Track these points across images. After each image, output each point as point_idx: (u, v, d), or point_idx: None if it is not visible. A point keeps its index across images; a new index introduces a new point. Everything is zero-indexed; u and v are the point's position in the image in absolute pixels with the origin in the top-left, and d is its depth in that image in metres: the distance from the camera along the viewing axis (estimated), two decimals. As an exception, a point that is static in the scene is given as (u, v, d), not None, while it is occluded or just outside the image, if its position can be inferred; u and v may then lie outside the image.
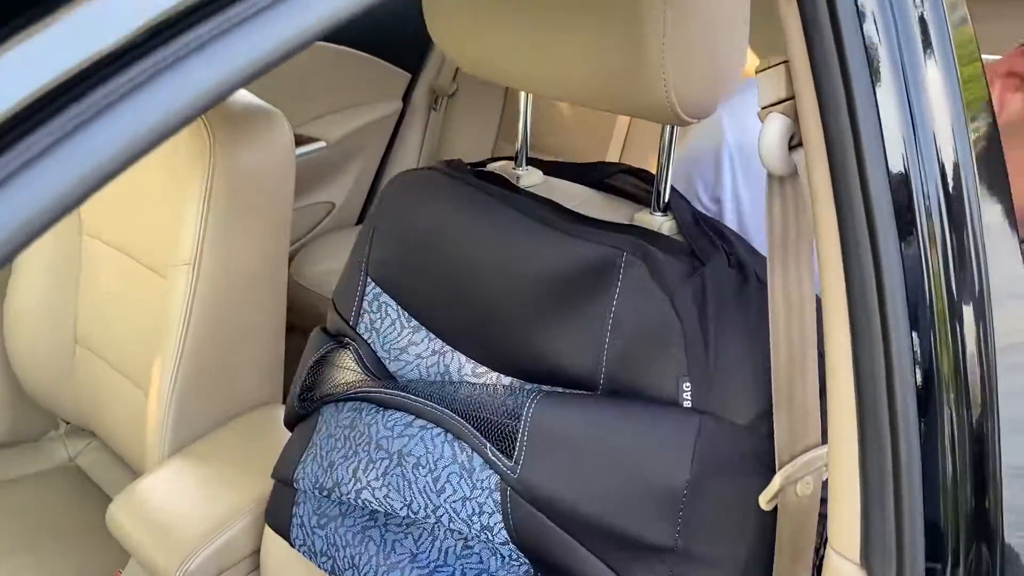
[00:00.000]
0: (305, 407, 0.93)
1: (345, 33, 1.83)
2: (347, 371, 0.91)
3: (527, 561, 0.79)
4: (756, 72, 0.56)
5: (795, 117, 0.54)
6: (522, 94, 0.84)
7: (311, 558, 0.93)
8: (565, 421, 0.73)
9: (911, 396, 0.50)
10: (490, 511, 0.78)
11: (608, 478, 0.71)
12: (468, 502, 0.80)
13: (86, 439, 1.51)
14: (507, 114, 1.98)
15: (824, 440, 0.65)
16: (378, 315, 0.90)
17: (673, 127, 0.72)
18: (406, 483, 0.84)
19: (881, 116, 0.50)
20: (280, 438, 1.12)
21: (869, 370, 0.50)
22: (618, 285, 0.71)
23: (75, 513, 1.38)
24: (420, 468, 0.83)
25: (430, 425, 0.83)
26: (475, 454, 0.80)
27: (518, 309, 0.77)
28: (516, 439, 0.76)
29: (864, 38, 0.49)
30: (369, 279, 0.90)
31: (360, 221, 2.02)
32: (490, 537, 0.79)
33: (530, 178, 0.86)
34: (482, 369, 0.82)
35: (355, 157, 1.94)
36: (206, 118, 1.12)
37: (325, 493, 0.90)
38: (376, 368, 0.89)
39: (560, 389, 0.76)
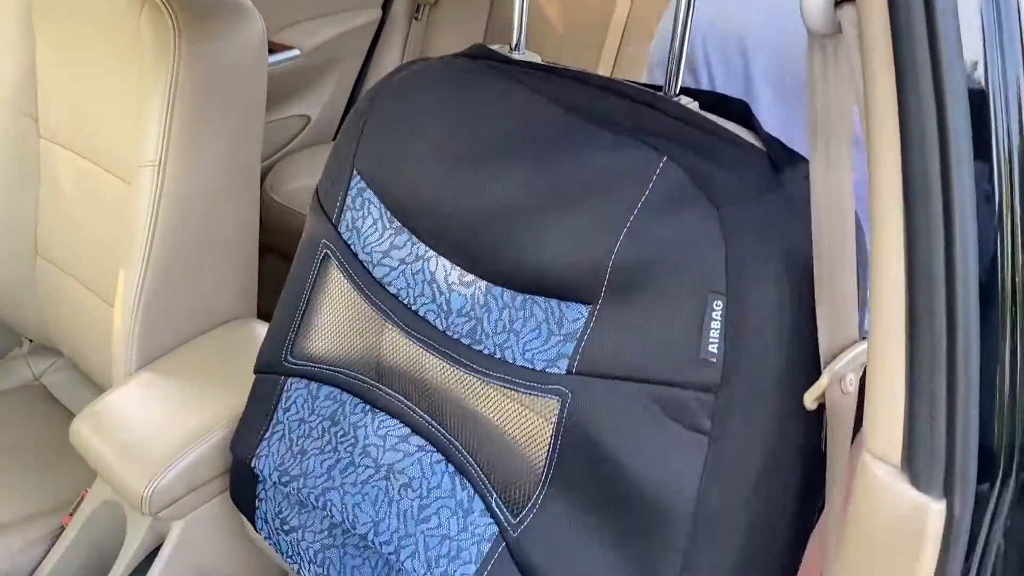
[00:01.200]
0: (293, 364, 0.86)
1: (321, -67, 1.73)
2: (333, 284, 0.84)
3: None
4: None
5: (844, -33, 0.47)
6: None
7: (279, 555, 0.89)
8: (578, 510, 0.67)
9: (972, 294, 0.44)
10: (468, 560, 0.72)
11: (604, 569, 0.65)
12: (449, 541, 0.74)
13: (51, 357, 1.44)
14: (493, 24, 1.88)
15: (861, 336, 0.60)
16: (360, 213, 0.83)
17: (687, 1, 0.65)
18: (387, 500, 0.78)
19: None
20: (253, 354, 1.06)
21: (926, 260, 0.44)
22: (648, 187, 0.64)
23: (40, 433, 1.32)
24: (409, 490, 0.77)
25: (430, 448, 0.77)
26: (478, 498, 0.74)
27: (519, 207, 0.70)
28: (526, 504, 0.69)
29: None
30: (355, 172, 0.83)
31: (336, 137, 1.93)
32: None
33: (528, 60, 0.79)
34: (469, 277, 0.75)
35: (331, 68, 1.84)
36: (170, 7, 1.03)
37: (286, 481, 0.85)
38: (361, 276, 0.82)
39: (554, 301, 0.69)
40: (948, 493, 0.46)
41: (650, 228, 0.64)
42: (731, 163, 0.65)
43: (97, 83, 1.13)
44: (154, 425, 1.01)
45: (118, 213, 1.12)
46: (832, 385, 0.59)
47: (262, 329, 1.16)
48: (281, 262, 1.74)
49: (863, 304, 0.61)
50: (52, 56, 1.20)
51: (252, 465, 0.88)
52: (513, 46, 0.80)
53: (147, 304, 1.08)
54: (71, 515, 1.11)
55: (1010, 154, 0.45)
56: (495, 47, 0.81)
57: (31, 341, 1.46)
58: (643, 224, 0.64)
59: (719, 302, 0.60)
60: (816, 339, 0.60)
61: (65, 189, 1.24)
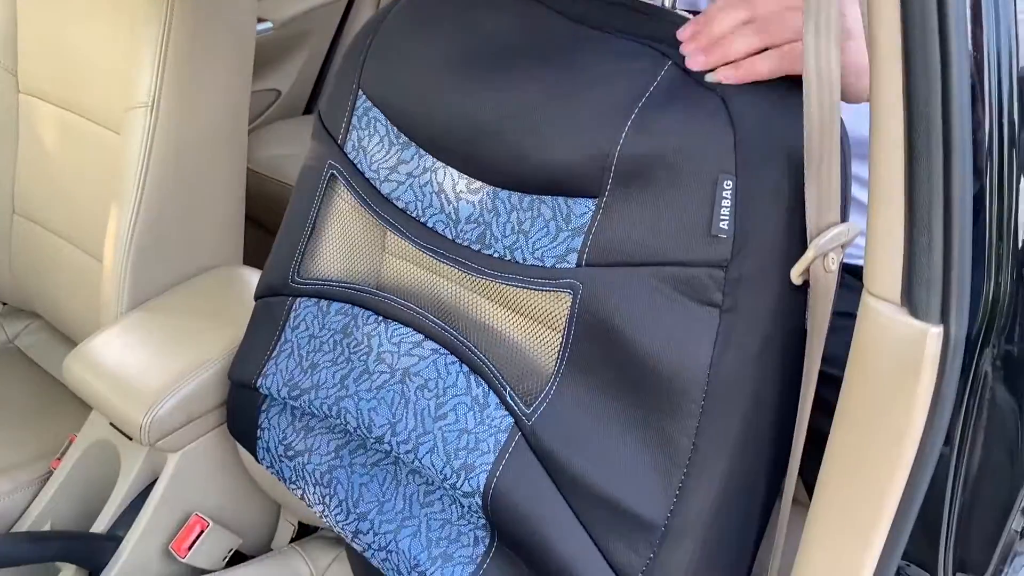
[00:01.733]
0: (301, 284, 0.88)
1: (293, -94, 1.75)
2: (340, 203, 0.87)
3: (486, 521, 0.77)
4: None
5: None
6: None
7: (282, 482, 0.91)
8: (590, 395, 0.71)
9: (966, 129, 0.49)
10: (486, 450, 0.75)
11: (619, 447, 0.69)
12: (466, 435, 0.77)
13: (25, 320, 1.43)
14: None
15: (843, 219, 0.65)
16: (366, 132, 0.86)
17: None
18: (403, 402, 0.80)
19: None
20: (245, 296, 1.07)
21: (924, 105, 0.49)
22: (654, 83, 0.68)
23: (19, 392, 1.31)
24: (425, 391, 0.80)
25: (444, 351, 0.80)
26: (492, 393, 0.77)
27: (522, 108, 0.74)
28: (539, 394, 0.73)
29: None
30: (360, 92, 0.86)
31: (307, 111, 1.95)
32: (456, 485, 0.76)
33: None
34: (476, 184, 0.78)
35: (302, 43, 1.86)
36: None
37: (296, 395, 0.87)
38: (368, 193, 0.85)
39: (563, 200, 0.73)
40: (945, 318, 0.50)
41: (657, 119, 0.68)
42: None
43: (84, 32, 1.14)
44: (149, 358, 1.02)
45: (106, 163, 1.12)
46: (816, 261, 0.63)
47: (251, 274, 1.18)
48: (254, 227, 1.75)
49: (844, 192, 0.66)
50: (35, 7, 1.21)
51: (257, 385, 0.90)
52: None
53: (138, 248, 1.09)
54: (59, 459, 1.11)
55: (998, 10, 0.50)
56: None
57: (3, 304, 1.45)
58: (649, 114, 0.68)
59: (729, 181, 0.65)
60: None
61: (46, 144, 1.25)
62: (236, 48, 1.13)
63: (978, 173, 0.50)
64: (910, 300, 0.51)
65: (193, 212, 1.13)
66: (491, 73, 0.76)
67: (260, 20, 1.76)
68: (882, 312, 0.52)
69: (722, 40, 0.68)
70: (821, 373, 0.67)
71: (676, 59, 0.70)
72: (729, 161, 0.65)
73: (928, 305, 0.51)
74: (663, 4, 0.74)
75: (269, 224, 1.72)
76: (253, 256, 1.26)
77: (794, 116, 0.64)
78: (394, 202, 0.84)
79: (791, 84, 0.67)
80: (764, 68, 0.67)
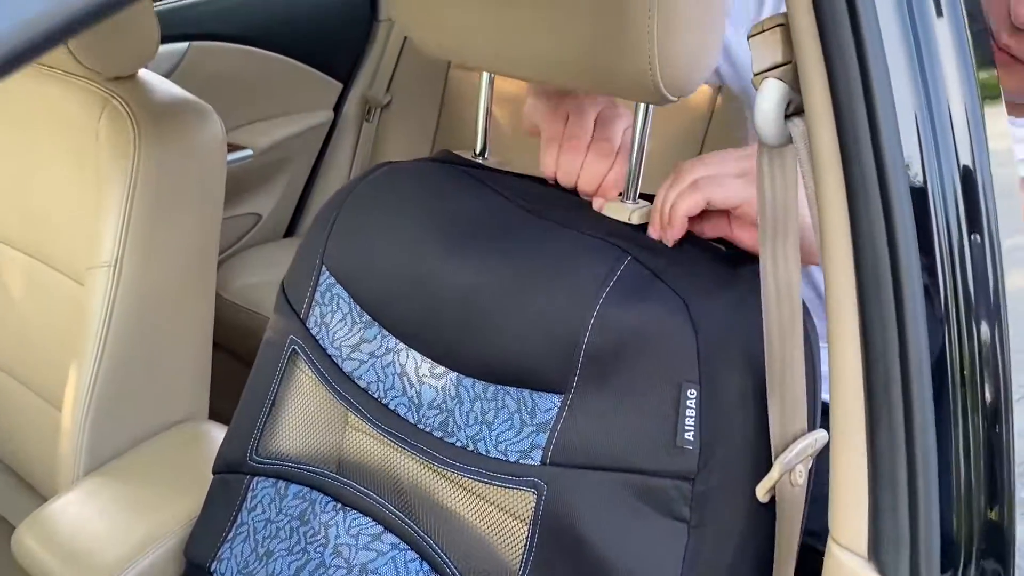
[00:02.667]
0: (259, 463, 0.85)
1: (274, 40, 1.77)
2: (301, 380, 0.85)
3: None
4: (749, 38, 0.52)
5: (792, 83, 0.51)
6: (484, 75, 0.79)
7: None
8: None
9: (926, 384, 0.47)
10: None
11: None
12: None
13: (-14, 463, 1.39)
14: (442, 126, 1.94)
15: (810, 427, 0.62)
16: (329, 308, 0.84)
17: (648, 107, 0.69)
18: None
19: (893, 84, 0.47)
20: (208, 457, 1.04)
21: (881, 353, 0.47)
22: (614, 278, 0.67)
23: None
24: None
25: (404, 546, 0.77)
26: None
27: (485, 297, 0.72)
28: None
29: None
30: (324, 268, 0.84)
31: (288, 234, 1.94)
32: None
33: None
34: (439, 369, 0.76)
35: (283, 167, 1.87)
36: (130, 109, 1.05)
37: None
38: (330, 371, 0.82)
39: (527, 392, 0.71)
40: (914, 580, 0.47)
41: (619, 316, 0.66)
42: (691, 262, 0.68)
43: (51, 184, 1.13)
44: (102, 532, 0.98)
45: (69, 314, 1.10)
46: (783, 477, 0.61)
47: (216, 430, 1.14)
48: (229, 359, 1.72)
49: (812, 397, 0.64)
50: (2, 156, 1.20)
51: (212, 569, 0.86)
52: (477, 152, 0.83)
53: (97, 407, 1.06)
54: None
55: (951, 247, 0.49)
56: (461, 153, 0.85)
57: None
58: (611, 311, 0.66)
59: (693, 390, 0.63)
60: None
61: (11, 288, 1.23)
62: (204, 203, 1.12)
63: (944, 419, 0.48)
64: (877, 557, 0.48)
65: (156, 367, 1.11)
66: (455, 259, 0.75)
67: (240, 148, 1.77)
68: (848, 566, 0.49)
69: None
70: (804, 547, 0.64)
71: (635, 254, 0.69)
72: (692, 369, 0.63)
73: (897, 565, 0.48)
74: (626, 193, 0.73)
75: (241, 354, 1.70)
76: (224, 387, 1.23)
77: (756, 318, 0.63)
78: (356, 381, 0.82)
79: (752, 285, 0.66)
80: (683, 206, 0.67)
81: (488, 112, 0.81)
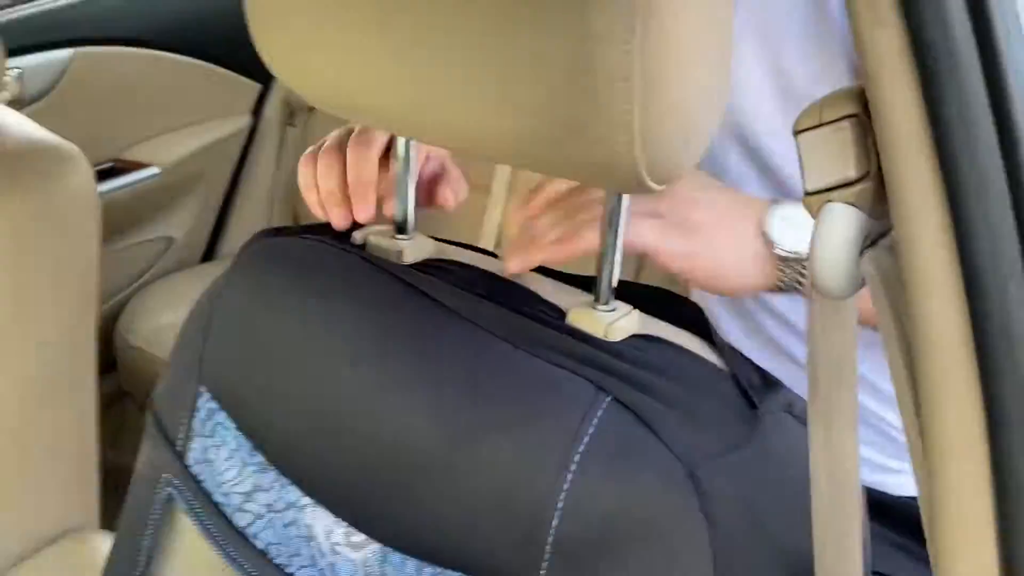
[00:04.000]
0: None
1: (176, 39, 1.54)
2: (181, 536, 0.65)
3: None
4: (796, 134, 0.34)
5: (873, 206, 0.32)
6: (400, 140, 0.59)
7: None
8: None
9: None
10: None
11: None
12: None
13: None
14: (376, 130, 1.72)
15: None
16: (212, 440, 0.64)
17: (619, 197, 0.50)
18: None
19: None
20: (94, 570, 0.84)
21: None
22: (588, 434, 0.48)
23: None
24: None
25: None
26: None
27: (418, 453, 0.53)
28: None
29: None
30: (201, 387, 0.64)
31: (207, 258, 1.72)
32: None
33: (419, 250, 0.62)
34: (359, 537, 0.57)
35: (197, 183, 1.65)
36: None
37: None
38: (218, 526, 0.63)
39: None
40: None
41: (600, 491, 0.47)
42: (694, 401, 0.49)
43: None
44: None
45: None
46: None
47: (105, 542, 0.94)
48: (139, 411, 1.52)
49: None
50: None
51: None
52: (398, 230, 0.63)
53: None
54: None
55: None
56: (374, 231, 0.64)
57: None
58: (589, 483, 0.47)
59: None
60: None
61: None
62: (73, 264, 0.90)
63: None
64: None
65: (28, 476, 0.90)
66: (372, 392, 0.55)
67: (144, 165, 1.55)
68: None
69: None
70: None
71: (616, 392, 0.49)
72: (707, 568, 0.45)
73: None
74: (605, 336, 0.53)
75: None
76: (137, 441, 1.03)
77: (783, 496, 0.45)
78: (252, 541, 0.62)
79: (762, 448, 0.48)
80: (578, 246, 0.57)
81: (407, 180, 0.61)
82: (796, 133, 0.33)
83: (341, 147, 0.65)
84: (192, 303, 0.68)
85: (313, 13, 0.49)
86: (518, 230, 0.62)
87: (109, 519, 0.96)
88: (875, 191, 0.31)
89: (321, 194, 0.64)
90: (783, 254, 0.60)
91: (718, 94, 0.45)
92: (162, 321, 1.48)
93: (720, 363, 0.53)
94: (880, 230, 0.33)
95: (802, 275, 0.60)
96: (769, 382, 0.52)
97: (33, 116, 0.96)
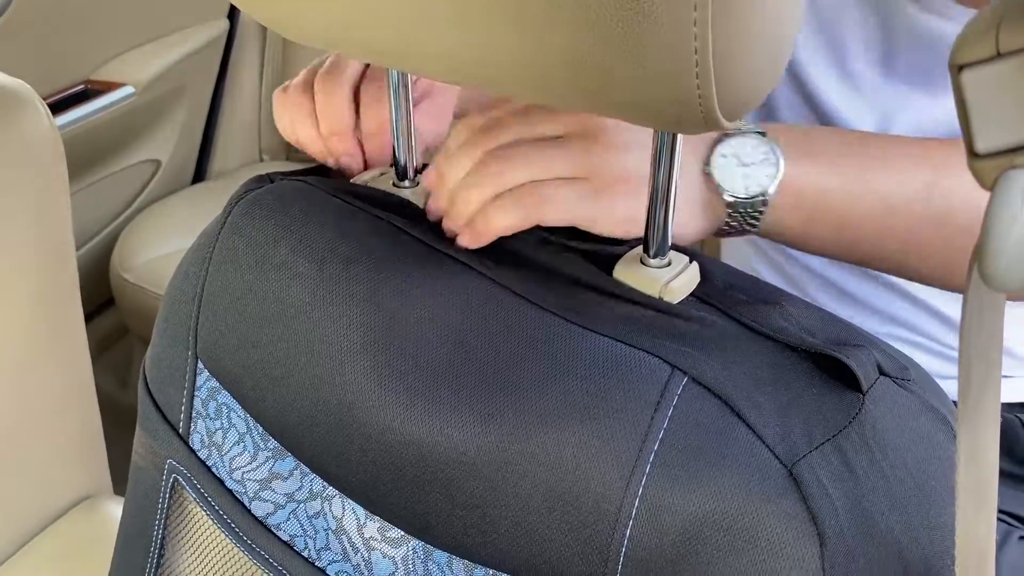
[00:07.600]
0: None
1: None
2: (193, 526, 0.58)
3: None
4: (958, 69, 0.24)
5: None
6: (393, 72, 0.49)
7: None
8: None
9: None
10: None
11: None
12: None
13: None
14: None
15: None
16: (217, 423, 0.57)
17: (675, 136, 0.41)
18: None
19: None
20: (109, 547, 0.80)
21: None
22: (661, 431, 0.40)
23: None
24: None
25: None
26: None
27: (458, 449, 0.45)
28: None
29: None
30: (200, 362, 0.57)
31: (197, 180, 1.63)
32: None
33: (422, 198, 0.53)
34: (396, 533, 0.50)
35: (178, 99, 1.53)
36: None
37: None
38: (233, 514, 0.56)
39: None
40: None
41: (681, 484, 0.39)
42: (781, 374, 0.41)
43: None
44: None
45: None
46: None
47: (118, 510, 0.89)
48: (145, 345, 1.46)
49: None
50: None
51: None
52: (398, 179, 0.54)
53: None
54: None
55: None
56: (376, 175, 0.55)
57: None
58: (668, 486, 0.40)
59: None
60: None
61: None
62: (43, 218, 0.82)
63: None
64: None
65: (28, 449, 0.84)
66: (407, 378, 0.47)
67: (119, 85, 1.43)
68: None
69: (458, 193, 0.48)
70: None
71: (687, 366, 0.41)
72: None
73: None
74: (659, 295, 0.44)
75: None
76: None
77: (891, 489, 0.38)
78: (274, 531, 0.56)
79: (867, 428, 0.40)
80: (500, 223, 0.47)
81: (408, 118, 0.51)
82: (958, 68, 0.23)
83: (309, 86, 0.55)
84: (184, 232, 0.59)
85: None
86: (434, 175, 0.51)
87: (123, 473, 0.92)
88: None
89: (300, 142, 0.55)
90: (731, 200, 0.50)
91: (798, 10, 0.35)
92: (158, 252, 1.40)
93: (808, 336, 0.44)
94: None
95: (754, 218, 0.51)
96: (853, 339, 0.44)
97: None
